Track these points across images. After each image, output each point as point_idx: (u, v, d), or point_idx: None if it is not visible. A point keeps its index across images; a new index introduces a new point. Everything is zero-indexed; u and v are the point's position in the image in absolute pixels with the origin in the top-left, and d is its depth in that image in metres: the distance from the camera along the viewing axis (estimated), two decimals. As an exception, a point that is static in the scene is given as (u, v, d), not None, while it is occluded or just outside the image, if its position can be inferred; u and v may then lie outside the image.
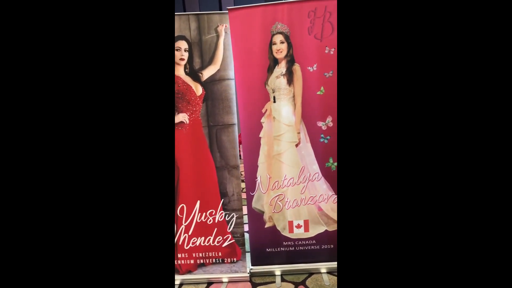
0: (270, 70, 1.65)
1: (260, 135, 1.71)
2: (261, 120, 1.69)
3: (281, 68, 1.64)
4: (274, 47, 1.62)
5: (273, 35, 1.61)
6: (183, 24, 1.63)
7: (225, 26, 1.62)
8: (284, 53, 1.63)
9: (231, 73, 1.66)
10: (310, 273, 1.75)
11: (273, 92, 1.66)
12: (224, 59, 1.65)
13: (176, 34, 1.63)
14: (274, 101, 1.66)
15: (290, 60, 1.64)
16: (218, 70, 1.65)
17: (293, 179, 1.70)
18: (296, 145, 1.69)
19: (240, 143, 1.75)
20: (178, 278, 1.76)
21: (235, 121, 1.69)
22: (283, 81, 1.64)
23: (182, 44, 1.63)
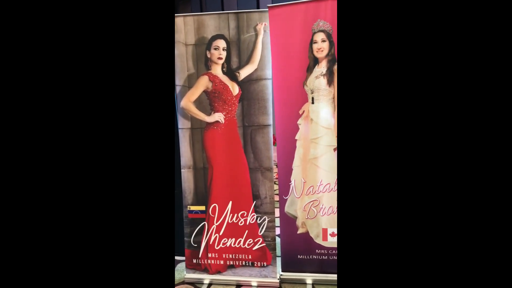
0: (310, 69, 1.58)
1: (296, 137, 1.64)
2: (298, 122, 1.63)
3: (322, 68, 1.56)
4: (314, 46, 1.55)
5: (314, 33, 1.54)
6: (223, 23, 1.61)
7: (264, 24, 1.58)
8: (325, 52, 1.55)
9: (268, 72, 1.62)
10: (343, 284, 1.67)
11: (312, 93, 1.59)
12: (262, 59, 1.60)
13: (215, 33, 1.62)
14: (313, 102, 1.59)
15: (331, 60, 1.55)
16: (255, 69, 1.62)
17: (329, 185, 1.62)
18: (335, 149, 1.60)
19: (274, 144, 1.70)
20: (207, 278, 1.76)
21: (271, 122, 1.65)
22: (323, 81, 1.57)
23: (220, 43, 1.62)
